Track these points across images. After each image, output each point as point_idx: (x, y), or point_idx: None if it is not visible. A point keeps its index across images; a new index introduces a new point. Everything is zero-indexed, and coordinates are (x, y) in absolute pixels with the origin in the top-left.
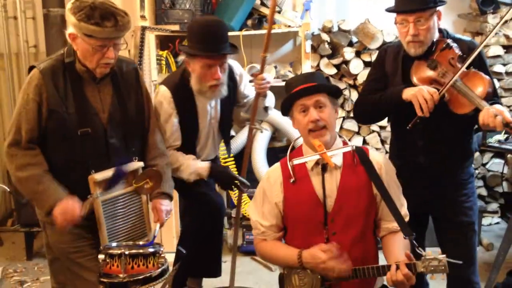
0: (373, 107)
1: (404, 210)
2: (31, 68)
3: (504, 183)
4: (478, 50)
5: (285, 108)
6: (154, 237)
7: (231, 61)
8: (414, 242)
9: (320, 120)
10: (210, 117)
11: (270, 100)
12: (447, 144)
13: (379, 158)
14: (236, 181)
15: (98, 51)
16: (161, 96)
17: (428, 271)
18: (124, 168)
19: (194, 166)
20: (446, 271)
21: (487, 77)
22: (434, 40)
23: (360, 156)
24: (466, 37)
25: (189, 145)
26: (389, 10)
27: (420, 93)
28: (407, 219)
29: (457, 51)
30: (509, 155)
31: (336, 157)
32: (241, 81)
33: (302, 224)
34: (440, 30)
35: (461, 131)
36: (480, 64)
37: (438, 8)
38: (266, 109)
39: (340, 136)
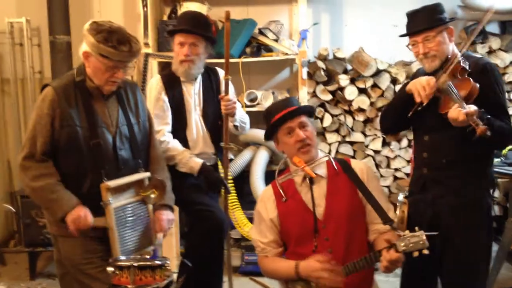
0: (392, 111)
1: (391, 214)
2: (44, 86)
3: (496, 207)
4: (463, 51)
5: (271, 133)
6: (156, 249)
7: (218, 69)
8: (395, 227)
9: (306, 138)
10: (194, 104)
11: (240, 118)
12: (448, 159)
13: (361, 165)
14: (222, 185)
15: (109, 71)
16: (152, 81)
17: (409, 249)
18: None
19: (189, 158)
20: (426, 246)
21: (476, 84)
22: (449, 56)
23: (342, 165)
24: (478, 55)
25: (180, 136)
26: (402, 35)
27: (418, 81)
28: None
29: (463, 65)
30: (499, 179)
31: (320, 169)
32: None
33: (295, 235)
34: None
35: (461, 147)
36: (481, 77)
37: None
38: (236, 127)
39: (320, 150)
